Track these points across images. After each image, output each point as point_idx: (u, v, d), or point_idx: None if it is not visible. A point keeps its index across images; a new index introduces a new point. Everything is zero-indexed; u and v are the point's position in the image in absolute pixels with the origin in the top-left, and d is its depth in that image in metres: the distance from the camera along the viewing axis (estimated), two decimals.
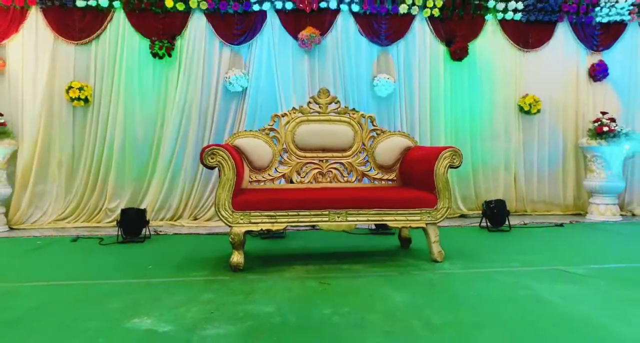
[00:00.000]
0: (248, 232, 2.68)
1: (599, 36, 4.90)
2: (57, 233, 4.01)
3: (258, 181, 3.16)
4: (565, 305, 2.00)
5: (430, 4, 4.58)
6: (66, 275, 2.65)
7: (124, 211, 3.69)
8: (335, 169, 3.26)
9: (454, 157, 2.78)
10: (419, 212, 2.74)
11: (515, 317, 1.88)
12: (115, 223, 4.14)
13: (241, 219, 2.60)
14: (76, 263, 2.96)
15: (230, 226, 2.61)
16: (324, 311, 1.95)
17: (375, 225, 3.78)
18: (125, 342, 1.66)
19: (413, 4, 4.56)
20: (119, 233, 3.58)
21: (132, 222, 3.63)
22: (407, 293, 2.19)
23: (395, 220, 2.75)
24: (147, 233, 3.70)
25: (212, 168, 2.66)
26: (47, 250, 3.36)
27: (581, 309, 1.94)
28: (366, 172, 3.30)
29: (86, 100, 4.34)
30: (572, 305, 2.00)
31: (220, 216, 2.61)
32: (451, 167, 2.80)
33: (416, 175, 3.00)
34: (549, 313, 1.90)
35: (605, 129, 4.54)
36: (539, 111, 4.83)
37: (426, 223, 2.76)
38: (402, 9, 4.55)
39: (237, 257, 2.60)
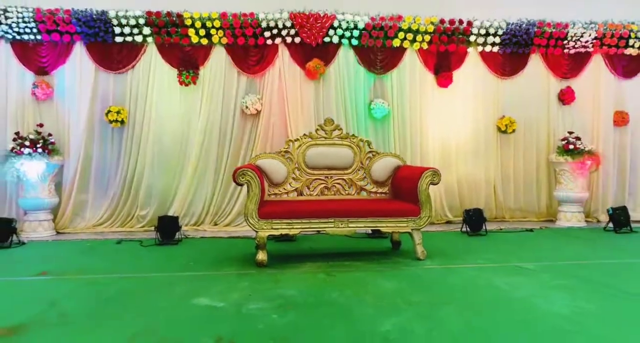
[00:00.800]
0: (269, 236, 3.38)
1: (567, 66, 5.63)
2: (97, 237, 4.70)
3: (275, 194, 3.86)
4: (509, 290, 2.70)
5: (419, 38, 5.31)
6: (126, 269, 3.34)
7: (160, 218, 4.39)
8: (338, 183, 3.96)
9: (434, 176, 3.48)
10: (405, 220, 3.45)
11: (470, 298, 2.57)
12: (148, 227, 4.88)
13: (265, 226, 3.30)
14: (129, 260, 3.65)
15: (256, 231, 3.31)
16: (332, 294, 2.64)
17: (372, 230, 4.47)
18: (195, 313, 2.35)
19: (405, 38, 5.29)
20: (157, 236, 4.27)
21: (167, 227, 4.32)
22: (395, 282, 2.88)
23: (387, 226, 3.45)
24: (180, 236, 4.39)
25: (241, 185, 3.36)
26: (98, 250, 4.05)
27: (520, 293, 2.64)
28: (364, 186, 4.00)
29: (122, 122, 5.04)
30: (515, 290, 2.70)
31: (248, 223, 3.31)
32: (432, 184, 3.50)
33: (404, 190, 3.70)
34: (495, 295, 2.61)
35: (571, 146, 5.26)
36: (514, 131, 5.55)
37: (411, 229, 3.46)
38: (395, 42, 5.28)
39: (261, 256, 3.30)
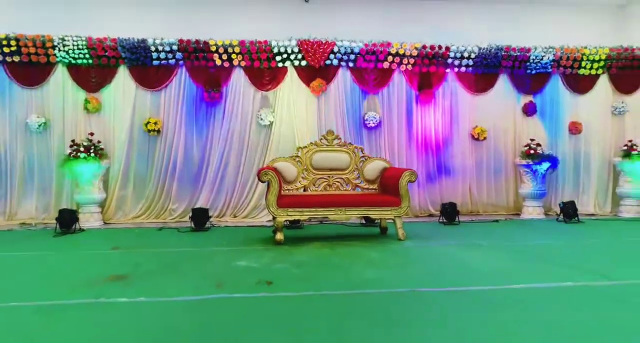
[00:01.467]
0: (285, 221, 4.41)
1: (530, 84, 6.69)
2: (138, 226, 5.72)
3: (288, 190, 4.89)
4: (463, 257, 3.74)
5: (405, 61, 6.37)
6: (174, 246, 4.36)
7: (194, 209, 5.42)
8: (338, 181, 4.99)
9: (411, 175, 4.52)
10: (389, 209, 4.48)
11: (429, 261, 3.62)
12: (179, 219, 5.90)
13: (282, 213, 4.33)
14: (174, 241, 4.68)
15: (275, 216, 4.34)
16: (333, 260, 3.68)
17: (364, 219, 5.52)
18: (237, 269, 3.37)
19: (393, 61, 6.34)
20: (191, 224, 5.31)
21: (199, 217, 5.35)
22: (379, 253, 3.92)
23: (375, 214, 4.50)
24: (209, 225, 5.43)
25: (264, 182, 4.39)
26: (146, 235, 5.07)
27: (465, 258, 3.69)
28: (358, 184, 5.03)
29: (158, 131, 6.08)
30: (462, 257, 3.75)
31: (270, 211, 4.34)
32: (410, 181, 4.54)
33: (389, 186, 4.74)
34: (447, 259, 3.66)
35: (532, 151, 6.31)
36: (485, 138, 6.61)
37: (394, 216, 4.50)
38: (385, 65, 6.33)
39: (279, 236, 4.33)
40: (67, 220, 5.20)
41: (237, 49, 6.04)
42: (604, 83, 6.78)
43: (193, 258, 3.81)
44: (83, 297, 2.68)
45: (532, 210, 6.43)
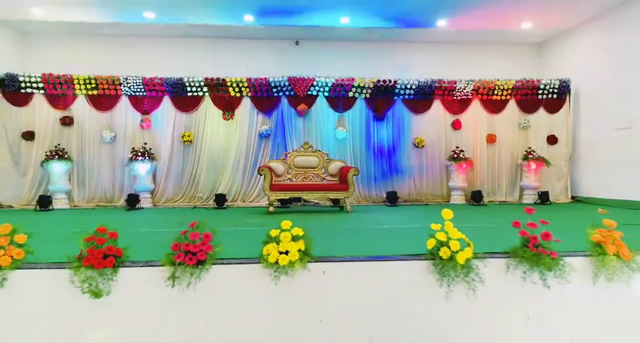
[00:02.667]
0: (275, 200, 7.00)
1: (456, 107, 9.23)
2: (176, 207, 8.35)
3: (278, 181, 7.47)
4: (379, 217, 6.31)
5: (365, 91, 8.95)
6: (204, 216, 6.96)
7: (217, 195, 8.05)
8: (311, 175, 7.57)
9: (355, 171, 7.09)
10: (341, 192, 7.06)
11: (361, 220, 6.19)
12: (204, 203, 8.51)
13: (272, 195, 6.92)
14: (204, 214, 7.28)
15: (269, 197, 6.94)
16: (311, 219, 6.25)
17: (332, 201, 8.09)
18: (244, 222, 5.97)
19: (356, 91, 8.92)
20: (214, 205, 7.93)
21: (220, 200, 7.98)
22: (336, 218, 6.50)
23: (332, 195, 7.08)
24: (226, 205, 8.05)
25: (261, 175, 6.99)
26: (184, 212, 7.68)
27: (382, 218, 6.25)
28: (324, 177, 7.60)
29: (190, 141, 8.72)
30: (381, 217, 6.30)
31: (265, 193, 6.94)
32: (354, 175, 7.09)
33: (342, 178, 7.31)
34: (372, 220, 6.22)
35: (456, 155, 8.84)
36: (423, 146, 9.16)
37: (344, 197, 7.07)
38: (350, 94, 8.92)
39: (271, 209, 6.92)
40: (133, 202, 7.85)
41: (245, 84, 8.67)
42: (512, 105, 9.29)
43: (218, 219, 6.43)
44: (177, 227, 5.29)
45: (456, 198, 8.97)
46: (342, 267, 3.20)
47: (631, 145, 7.73)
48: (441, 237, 3.08)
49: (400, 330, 3.11)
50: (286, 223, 3.15)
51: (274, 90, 8.78)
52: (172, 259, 2.93)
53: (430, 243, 3.09)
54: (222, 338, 3.03)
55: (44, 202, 7.63)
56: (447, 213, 3.09)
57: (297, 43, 9.83)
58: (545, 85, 9.12)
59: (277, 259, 2.99)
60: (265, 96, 8.82)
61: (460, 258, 2.99)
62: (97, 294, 2.86)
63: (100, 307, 2.91)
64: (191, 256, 2.92)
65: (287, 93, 8.84)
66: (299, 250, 3.04)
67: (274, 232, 3.12)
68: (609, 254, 3.15)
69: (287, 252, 3.03)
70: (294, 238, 3.09)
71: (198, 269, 2.95)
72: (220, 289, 3.06)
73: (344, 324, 3.10)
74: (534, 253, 3.08)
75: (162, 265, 2.96)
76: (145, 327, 3.00)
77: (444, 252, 3.03)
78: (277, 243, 3.06)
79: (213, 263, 3.02)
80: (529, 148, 9.07)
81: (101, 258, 2.86)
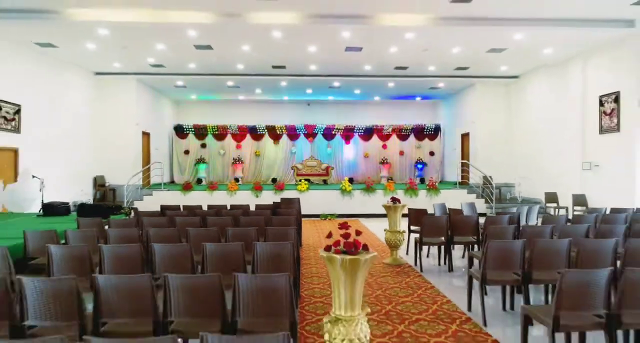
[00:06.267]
0: None
1: (384, 138, 19.21)
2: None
3: (299, 173, 17.50)
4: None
5: (340, 130, 18.99)
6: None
7: (272, 179, 18.19)
8: (314, 170, 17.58)
9: (332, 168, 17.13)
10: (326, 177, 17.10)
11: (336, 186, 16.21)
12: (265, 182, 18.81)
13: (298, 178, 16.96)
14: (268, 187, 17.37)
15: (296, 179, 16.99)
16: (312, 185, 16.31)
17: (323, 181, 18.12)
18: (288, 188, 16.00)
19: (335, 130, 18.95)
20: (272, 182, 18.08)
21: (274, 180, 18.10)
22: (324, 186, 16.53)
23: (323, 178, 17.15)
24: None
25: (292, 169, 17.05)
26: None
27: None
28: (319, 171, 17.61)
29: (258, 154, 18.87)
30: None
31: (294, 177, 16.99)
32: (332, 169, 17.10)
33: (327, 171, 17.31)
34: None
35: (383, 161, 18.81)
36: (368, 156, 19.18)
37: (327, 179, 17.12)
38: (334, 132, 18.96)
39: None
40: (237, 180, 18.01)
41: (284, 127, 18.74)
42: (412, 137, 19.19)
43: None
44: None
45: (383, 180, 18.94)
46: None
47: (457, 158, 17.67)
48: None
49: None
50: (303, 185, 13.16)
51: (297, 130, 18.82)
52: None
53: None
54: None
55: (199, 182, 17.75)
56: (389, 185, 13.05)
57: (308, 104, 19.90)
58: (428, 127, 19.05)
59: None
60: (292, 133, 18.86)
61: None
62: None
63: None
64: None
65: (303, 131, 18.87)
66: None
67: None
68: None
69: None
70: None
71: None
72: None
73: None
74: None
75: None
76: None
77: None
78: None
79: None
80: (419, 159, 19.00)
81: None
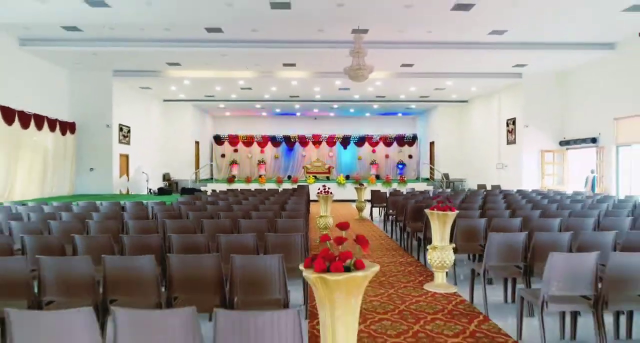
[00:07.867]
0: None
1: (373, 145, 24.95)
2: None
3: (309, 170, 23.31)
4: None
5: (339, 138, 24.77)
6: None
7: (288, 176, 24.07)
8: (320, 169, 23.36)
9: (331, 167, 22.92)
10: (328, 175, 22.89)
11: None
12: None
13: (308, 174, 22.77)
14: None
15: (306, 176, 22.81)
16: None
17: (327, 178, 23.93)
18: (301, 181, 21.81)
19: (336, 138, 24.74)
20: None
21: (290, 177, 23.95)
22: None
23: (326, 174, 22.96)
24: None
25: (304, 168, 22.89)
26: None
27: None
28: (324, 169, 23.39)
29: (277, 157, 24.72)
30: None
31: (305, 173, 22.83)
32: (332, 168, 22.87)
33: (329, 170, 23.09)
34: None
35: (372, 163, 24.55)
36: (361, 159, 24.94)
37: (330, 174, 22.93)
38: (334, 139, 24.76)
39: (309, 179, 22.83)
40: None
41: (296, 137, 24.57)
42: (395, 144, 24.88)
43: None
44: None
45: (372, 177, 24.67)
46: None
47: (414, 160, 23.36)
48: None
49: None
50: (311, 179, 18.97)
51: (307, 138, 24.64)
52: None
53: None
54: None
55: (232, 180, 23.62)
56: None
57: (315, 119, 25.72)
58: (407, 136, 24.76)
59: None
60: (303, 141, 24.68)
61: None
62: None
63: None
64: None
65: (311, 139, 24.67)
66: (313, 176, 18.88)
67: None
68: None
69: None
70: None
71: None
72: None
73: None
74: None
75: None
76: None
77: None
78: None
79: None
80: (400, 160, 24.71)
81: None
